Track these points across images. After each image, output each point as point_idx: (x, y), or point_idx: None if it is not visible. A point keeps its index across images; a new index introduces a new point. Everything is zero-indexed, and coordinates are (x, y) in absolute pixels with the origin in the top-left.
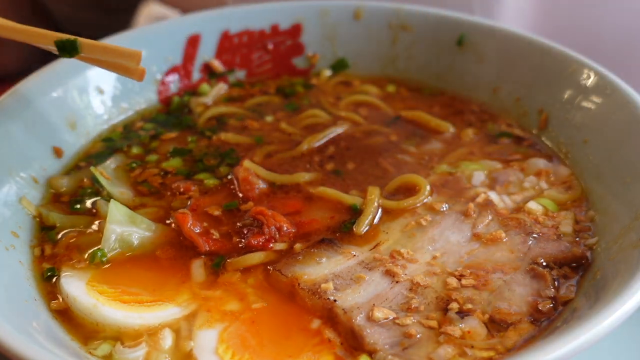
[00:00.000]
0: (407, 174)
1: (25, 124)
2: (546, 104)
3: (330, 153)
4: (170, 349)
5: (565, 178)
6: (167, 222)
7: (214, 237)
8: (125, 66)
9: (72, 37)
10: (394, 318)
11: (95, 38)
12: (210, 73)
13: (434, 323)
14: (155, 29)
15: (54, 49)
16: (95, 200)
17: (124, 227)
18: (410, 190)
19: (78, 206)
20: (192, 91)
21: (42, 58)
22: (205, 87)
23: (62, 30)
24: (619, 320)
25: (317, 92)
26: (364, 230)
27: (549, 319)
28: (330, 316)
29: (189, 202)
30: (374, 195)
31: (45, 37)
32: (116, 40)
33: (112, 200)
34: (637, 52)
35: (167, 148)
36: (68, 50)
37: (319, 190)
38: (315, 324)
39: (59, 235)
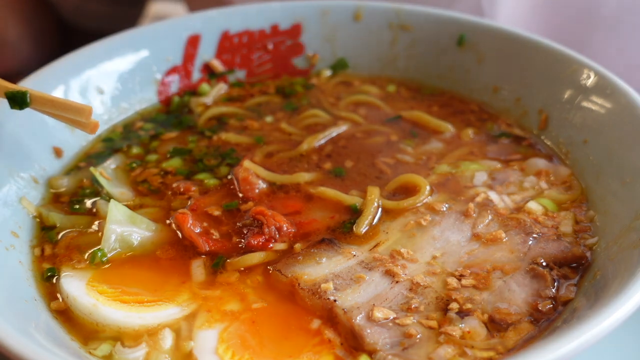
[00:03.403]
0: (407, 174)
1: (25, 124)
2: (546, 104)
3: (329, 153)
4: (170, 349)
5: (565, 178)
6: (167, 222)
7: (214, 237)
8: (76, 120)
9: (22, 88)
10: (394, 318)
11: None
12: (210, 73)
13: (434, 323)
14: (155, 29)
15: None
16: (95, 200)
17: (124, 227)
18: (410, 190)
19: (78, 206)
20: (192, 91)
21: (42, 58)
22: (205, 87)
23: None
24: (619, 320)
25: (317, 92)
26: (364, 230)
27: (549, 319)
28: (330, 316)
29: (189, 202)
30: (374, 195)
31: None
32: (117, 40)
33: (112, 200)
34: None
35: (167, 148)
36: (18, 102)
37: (319, 191)
38: (315, 324)
39: (59, 235)
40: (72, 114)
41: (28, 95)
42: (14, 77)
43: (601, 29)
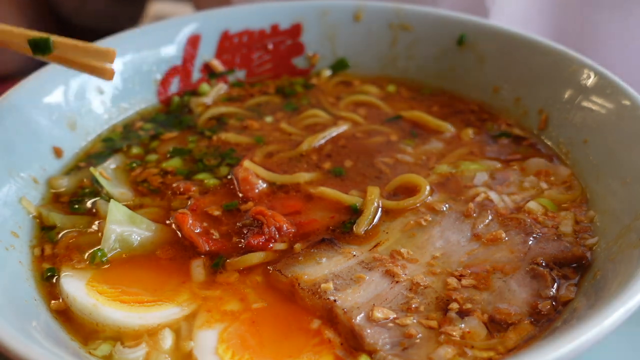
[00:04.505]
0: (407, 174)
1: (25, 124)
2: (546, 104)
3: (329, 153)
4: (170, 349)
5: (565, 178)
6: (167, 222)
7: (214, 237)
8: (95, 65)
9: (45, 35)
10: (394, 318)
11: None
12: (210, 73)
13: (434, 323)
14: (156, 29)
15: (27, 50)
16: (95, 200)
17: (124, 227)
18: (410, 190)
19: (78, 206)
20: (192, 91)
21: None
22: (205, 87)
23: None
24: (619, 320)
25: (317, 92)
26: (364, 230)
27: (549, 319)
28: (330, 316)
29: (189, 202)
30: (374, 195)
31: (18, 36)
32: (117, 40)
33: (112, 200)
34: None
35: (167, 148)
36: (42, 48)
37: (319, 191)
38: (315, 324)
39: (59, 235)
40: (95, 58)
41: (51, 41)
42: (15, 77)
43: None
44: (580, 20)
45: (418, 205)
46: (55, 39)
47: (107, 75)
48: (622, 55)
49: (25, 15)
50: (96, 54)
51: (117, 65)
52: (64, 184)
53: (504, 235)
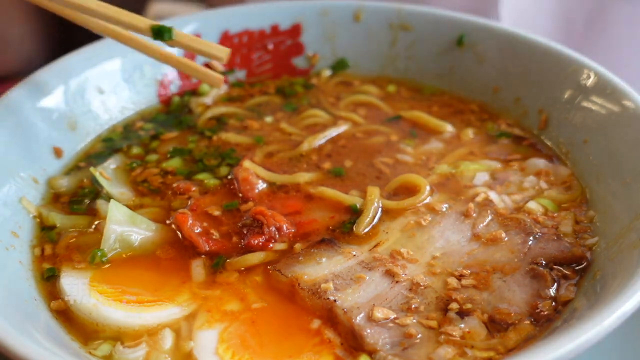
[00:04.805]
0: (407, 174)
1: (25, 124)
2: (546, 104)
3: (329, 153)
4: (170, 349)
5: (565, 178)
6: (167, 222)
7: (214, 237)
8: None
9: (168, 25)
10: (394, 318)
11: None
12: None
13: (434, 323)
14: None
15: (149, 35)
16: (95, 201)
17: (124, 227)
18: (410, 190)
19: (78, 206)
20: (192, 91)
21: (44, 56)
22: (205, 87)
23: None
24: (619, 320)
25: (317, 92)
26: (364, 231)
27: (549, 319)
28: (330, 316)
29: (189, 202)
30: (374, 195)
31: (142, 21)
32: (116, 41)
33: (112, 200)
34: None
35: (167, 148)
36: (163, 35)
37: (319, 191)
38: (315, 324)
39: (59, 236)
40: (209, 55)
41: (173, 31)
42: (16, 76)
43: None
44: (589, 6)
45: (418, 205)
46: (176, 30)
47: (216, 82)
48: (630, 44)
49: (29, 16)
50: (210, 49)
51: (117, 65)
52: (64, 184)
53: (503, 235)
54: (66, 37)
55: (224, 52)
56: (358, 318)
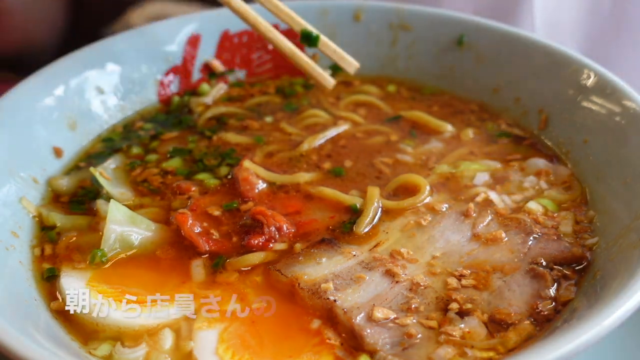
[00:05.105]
0: (406, 174)
1: (25, 124)
2: (546, 104)
3: (329, 153)
4: (170, 349)
5: (565, 178)
6: (167, 222)
7: (214, 237)
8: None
9: (316, 32)
10: (394, 318)
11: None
12: (210, 73)
13: (434, 323)
14: (156, 29)
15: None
16: (95, 200)
17: (124, 227)
18: (410, 190)
19: (78, 206)
20: (192, 91)
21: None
22: (205, 87)
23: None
24: (619, 320)
25: (317, 92)
26: (364, 231)
27: (549, 319)
28: (330, 316)
29: (189, 202)
30: (374, 195)
31: (298, 23)
32: (117, 40)
33: (112, 200)
34: None
35: (167, 148)
36: (311, 41)
37: (319, 190)
38: (315, 324)
39: (59, 236)
40: (341, 65)
41: (320, 39)
42: (16, 76)
43: None
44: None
45: (418, 205)
46: (322, 38)
47: (327, 83)
48: None
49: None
50: (342, 59)
51: (117, 65)
52: (64, 184)
53: (503, 235)
54: (75, 17)
55: (354, 66)
56: (358, 318)
